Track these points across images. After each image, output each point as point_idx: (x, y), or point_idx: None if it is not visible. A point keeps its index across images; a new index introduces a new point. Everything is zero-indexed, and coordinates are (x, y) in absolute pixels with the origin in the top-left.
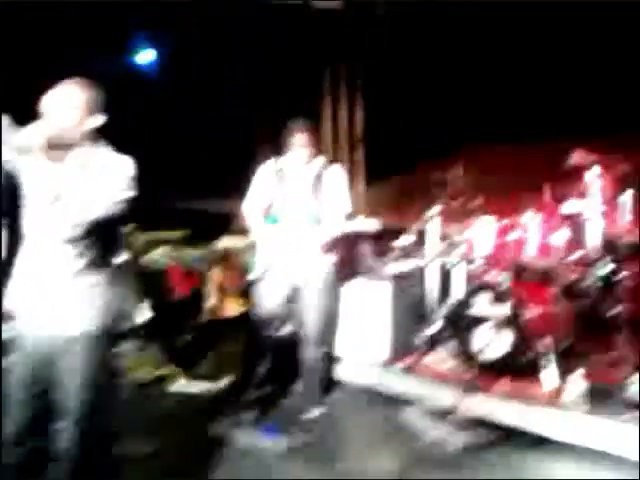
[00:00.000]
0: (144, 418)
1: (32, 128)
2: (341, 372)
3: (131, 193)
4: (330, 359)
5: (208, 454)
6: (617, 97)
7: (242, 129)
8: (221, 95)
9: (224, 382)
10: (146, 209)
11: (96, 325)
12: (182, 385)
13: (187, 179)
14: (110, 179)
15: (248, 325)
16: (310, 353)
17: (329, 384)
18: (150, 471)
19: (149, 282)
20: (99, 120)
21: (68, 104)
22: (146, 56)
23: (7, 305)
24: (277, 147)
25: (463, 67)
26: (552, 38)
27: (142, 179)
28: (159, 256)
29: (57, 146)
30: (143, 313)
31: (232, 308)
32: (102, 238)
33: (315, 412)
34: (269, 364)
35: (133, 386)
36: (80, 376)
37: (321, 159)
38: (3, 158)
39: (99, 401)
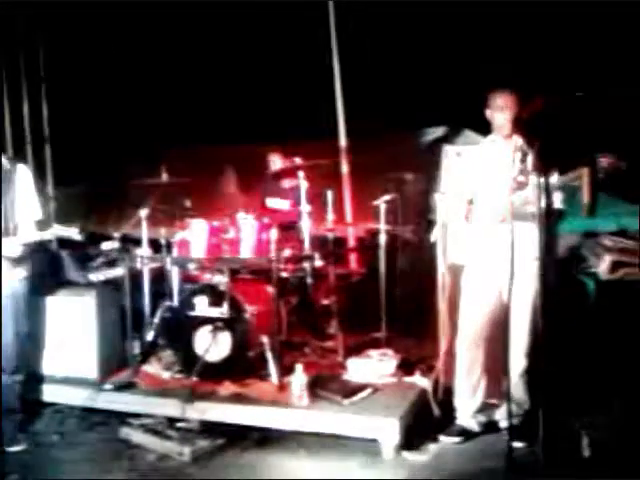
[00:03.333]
0: None
1: None
2: (47, 394)
3: None
4: (31, 382)
5: None
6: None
7: None
8: None
9: None
10: None
11: None
12: None
13: None
14: None
15: None
16: (4, 379)
17: (33, 411)
18: None
19: None
20: None
21: None
22: None
23: None
24: None
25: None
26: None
27: None
28: None
29: None
30: None
31: None
32: None
33: (19, 445)
34: None
35: None
36: None
37: (3, 158)
38: None
39: None
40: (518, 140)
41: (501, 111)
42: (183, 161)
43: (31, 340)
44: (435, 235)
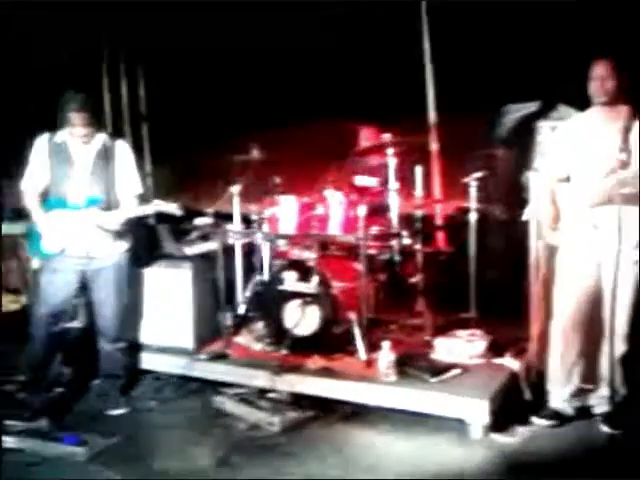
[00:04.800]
0: None
1: None
2: (147, 362)
3: None
4: (132, 350)
5: None
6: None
7: (14, 102)
8: None
9: (5, 388)
10: None
11: None
12: None
13: None
14: None
15: (29, 321)
16: (108, 347)
17: (133, 377)
18: None
19: None
20: None
21: None
22: None
23: None
24: (53, 120)
25: (246, 46)
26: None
27: None
28: None
29: None
30: None
31: (7, 304)
32: None
33: (120, 409)
34: (60, 363)
35: None
36: None
37: (104, 135)
38: None
39: None
40: (620, 114)
41: (601, 81)
42: (274, 137)
43: (131, 310)
44: (528, 214)
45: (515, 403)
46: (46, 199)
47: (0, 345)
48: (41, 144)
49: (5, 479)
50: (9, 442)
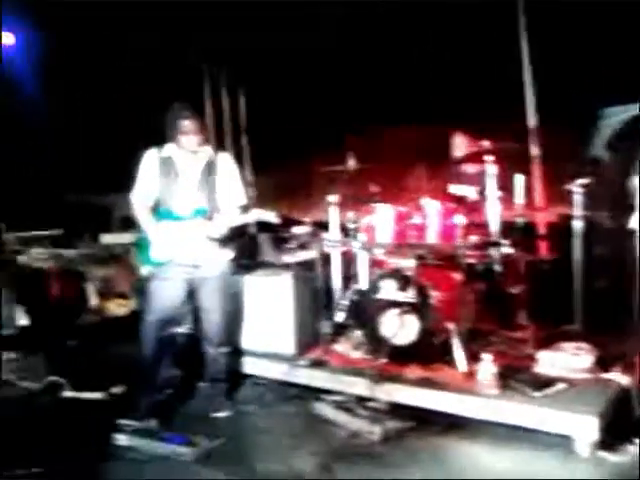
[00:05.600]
0: (31, 434)
1: None
2: (248, 366)
3: None
4: (235, 356)
5: (106, 469)
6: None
7: (124, 118)
8: (102, 83)
9: (118, 389)
10: (20, 206)
11: None
12: (72, 394)
13: (65, 174)
14: None
15: (140, 326)
16: (213, 352)
17: (236, 381)
18: None
19: (24, 285)
20: None
21: None
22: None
23: None
24: (161, 136)
25: (342, 55)
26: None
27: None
28: (34, 257)
29: None
30: (20, 319)
31: (117, 308)
32: None
33: (224, 412)
34: (168, 366)
35: (22, 396)
36: None
37: (208, 148)
38: None
39: None
40: None
41: None
42: (369, 145)
43: (234, 316)
44: (635, 221)
45: (625, 420)
46: (155, 210)
47: (109, 347)
48: (149, 158)
49: (117, 475)
50: (121, 440)
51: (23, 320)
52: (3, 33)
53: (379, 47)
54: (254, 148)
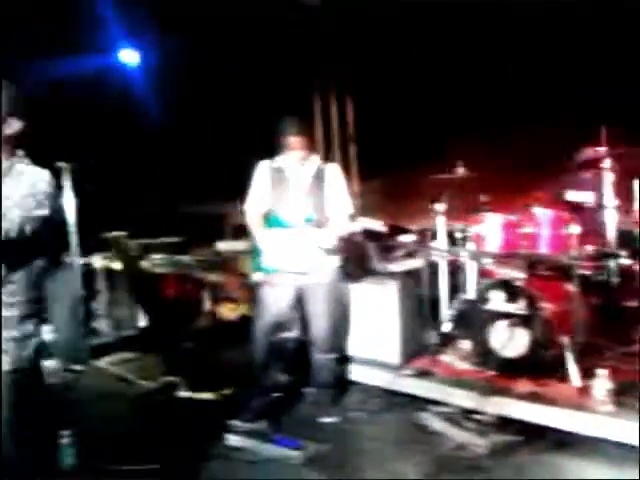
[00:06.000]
0: (147, 431)
1: None
2: (355, 374)
3: (44, 210)
4: (342, 362)
5: (217, 468)
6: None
7: (235, 131)
8: (214, 97)
9: (229, 390)
10: (140, 215)
11: (11, 364)
12: (186, 394)
13: (182, 184)
14: (22, 195)
15: (251, 330)
16: (321, 357)
17: (343, 387)
18: None
19: (143, 290)
20: (16, 126)
21: None
22: (130, 56)
23: None
24: (271, 147)
25: (448, 63)
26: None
27: (135, 185)
28: (153, 263)
29: None
30: (139, 321)
31: (229, 312)
32: (13, 262)
33: (331, 417)
34: (278, 370)
35: (137, 395)
36: None
37: (317, 158)
38: None
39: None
40: None
41: None
42: (478, 151)
43: (342, 323)
44: None
45: None
46: (266, 219)
47: (221, 350)
48: (262, 169)
49: (227, 474)
50: (233, 440)
51: (142, 322)
52: (128, 51)
53: (487, 50)
54: (362, 157)
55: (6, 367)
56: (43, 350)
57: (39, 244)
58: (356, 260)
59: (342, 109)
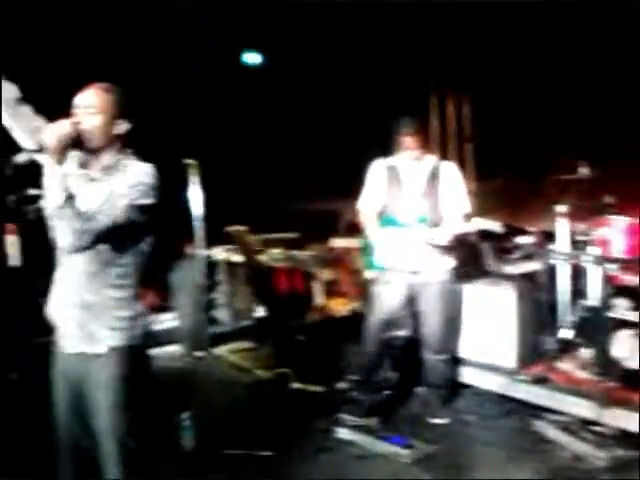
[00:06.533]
0: (261, 419)
1: (52, 126)
2: (467, 376)
3: (149, 201)
4: (453, 363)
5: (326, 460)
6: None
7: (350, 128)
8: (328, 96)
9: (340, 384)
10: (258, 211)
11: (123, 341)
12: (298, 386)
13: (298, 180)
14: (126, 187)
15: (362, 326)
16: (432, 357)
17: (454, 389)
18: (267, 474)
19: (261, 282)
20: (124, 127)
21: (93, 107)
22: (253, 57)
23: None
24: (386, 145)
25: (572, 56)
26: None
27: (252, 181)
28: (271, 257)
29: (76, 148)
30: (255, 312)
31: (340, 308)
32: (120, 248)
33: (442, 419)
34: (388, 368)
35: (249, 384)
36: (107, 396)
37: (433, 157)
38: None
39: (126, 420)
40: None
41: None
42: (604, 149)
43: (454, 324)
44: None
45: None
46: (380, 217)
47: (333, 344)
48: (377, 167)
49: (335, 467)
50: (342, 433)
51: (259, 312)
52: (249, 53)
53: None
54: (479, 156)
55: (117, 343)
56: (149, 331)
57: (145, 231)
58: (471, 260)
59: (459, 107)
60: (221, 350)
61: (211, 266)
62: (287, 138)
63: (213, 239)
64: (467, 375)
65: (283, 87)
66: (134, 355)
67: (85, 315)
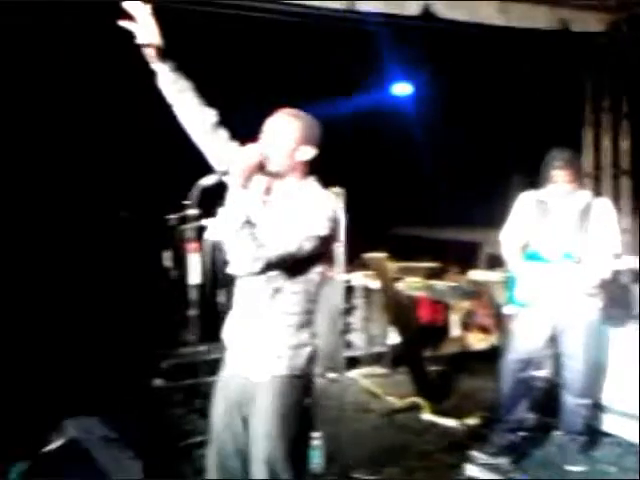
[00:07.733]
0: (390, 446)
1: (243, 151)
2: (608, 424)
3: (325, 232)
4: (594, 410)
5: None
6: None
7: (495, 158)
8: (473, 124)
9: (474, 420)
10: (397, 238)
11: (287, 369)
12: (429, 417)
13: (434, 209)
14: (304, 215)
15: (499, 363)
16: (571, 401)
17: (593, 437)
18: None
19: (397, 310)
20: (310, 153)
21: (279, 133)
22: (403, 89)
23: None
24: (533, 177)
25: None
26: None
27: (392, 209)
28: (408, 286)
29: (261, 173)
30: (389, 339)
31: (477, 341)
32: (292, 276)
33: (578, 466)
34: (525, 408)
35: (383, 411)
36: (265, 424)
37: (586, 192)
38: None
39: (287, 451)
40: None
41: None
42: None
43: (598, 368)
44: None
45: None
46: (524, 251)
47: (468, 378)
48: (525, 200)
49: None
50: (472, 471)
51: (393, 339)
52: (401, 84)
53: None
54: (636, 191)
55: (281, 372)
56: (316, 359)
57: (317, 260)
58: (620, 302)
59: (615, 139)
60: (354, 374)
61: (349, 290)
62: (427, 167)
63: (352, 264)
64: (609, 423)
65: (433, 117)
66: (296, 385)
67: (251, 340)
